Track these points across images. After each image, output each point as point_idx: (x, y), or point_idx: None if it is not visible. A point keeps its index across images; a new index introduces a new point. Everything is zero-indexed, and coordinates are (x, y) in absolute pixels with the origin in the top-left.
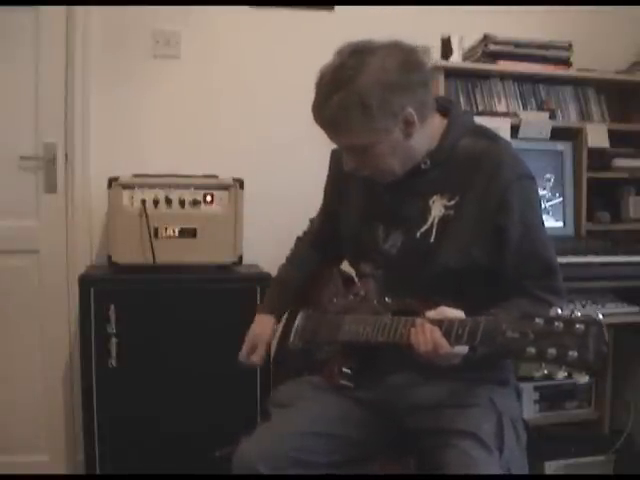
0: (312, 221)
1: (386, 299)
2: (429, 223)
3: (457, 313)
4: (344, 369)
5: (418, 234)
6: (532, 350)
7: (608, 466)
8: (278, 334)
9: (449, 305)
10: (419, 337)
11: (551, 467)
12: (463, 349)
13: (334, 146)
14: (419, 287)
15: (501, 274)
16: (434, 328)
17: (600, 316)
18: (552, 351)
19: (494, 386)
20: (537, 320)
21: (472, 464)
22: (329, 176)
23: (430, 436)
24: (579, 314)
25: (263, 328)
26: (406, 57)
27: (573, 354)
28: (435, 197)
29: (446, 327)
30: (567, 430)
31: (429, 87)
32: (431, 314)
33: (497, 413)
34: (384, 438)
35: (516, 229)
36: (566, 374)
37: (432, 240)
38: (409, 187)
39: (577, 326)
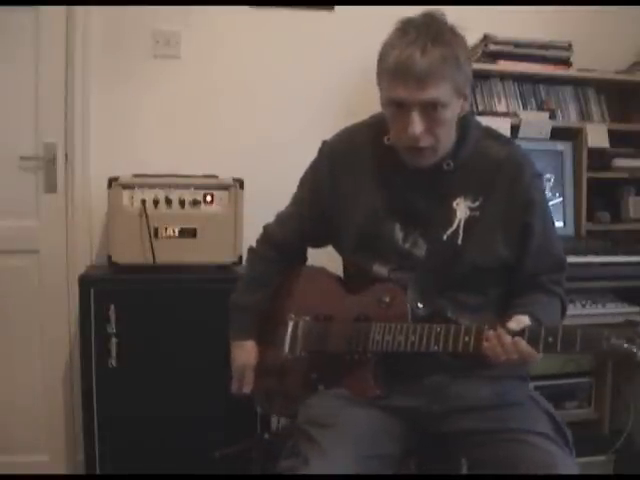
0: (267, 227)
1: (419, 305)
2: (455, 225)
3: (527, 320)
4: (378, 379)
5: (445, 236)
6: None
7: (608, 466)
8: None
9: (469, 301)
10: (497, 349)
11: None
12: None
13: None
14: (445, 288)
15: (518, 269)
16: (518, 339)
17: None
18: None
19: (520, 382)
20: None
21: (552, 463)
22: (320, 173)
23: (486, 435)
24: None
25: (247, 356)
26: None
27: None
28: (459, 199)
29: (529, 335)
30: None
31: None
32: (512, 325)
33: (544, 410)
34: (414, 444)
35: (539, 226)
36: None
37: (460, 242)
38: (430, 188)
39: None
